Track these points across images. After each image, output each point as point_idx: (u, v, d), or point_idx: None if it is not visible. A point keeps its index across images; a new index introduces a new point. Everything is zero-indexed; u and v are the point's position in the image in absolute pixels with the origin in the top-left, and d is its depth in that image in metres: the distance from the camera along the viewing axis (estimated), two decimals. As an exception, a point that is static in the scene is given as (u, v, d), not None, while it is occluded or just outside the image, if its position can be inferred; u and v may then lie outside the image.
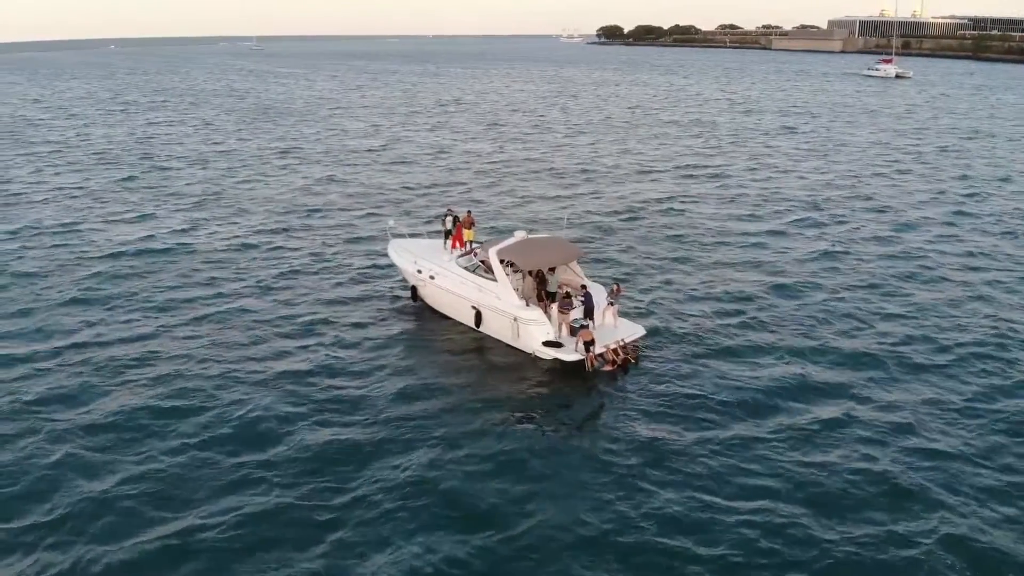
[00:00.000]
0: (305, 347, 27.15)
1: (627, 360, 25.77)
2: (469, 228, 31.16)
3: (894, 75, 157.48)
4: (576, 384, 24.56)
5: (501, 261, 26.87)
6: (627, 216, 45.18)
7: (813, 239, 40.85)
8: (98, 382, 24.38)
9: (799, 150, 70.02)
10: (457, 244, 30.33)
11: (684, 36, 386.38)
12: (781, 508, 18.36)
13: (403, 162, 63.77)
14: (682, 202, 48.77)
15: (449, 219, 31.06)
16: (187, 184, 54.59)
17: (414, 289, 30.30)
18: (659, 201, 49.33)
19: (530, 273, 27.88)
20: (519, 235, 28.12)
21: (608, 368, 25.40)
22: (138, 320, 29.32)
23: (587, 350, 24.96)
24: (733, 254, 37.99)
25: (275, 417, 22.27)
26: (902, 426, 22.00)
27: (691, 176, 57.17)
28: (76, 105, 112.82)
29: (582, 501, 18.66)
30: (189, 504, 18.46)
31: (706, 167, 60.57)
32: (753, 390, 23.99)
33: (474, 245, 29.82)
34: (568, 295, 26.58)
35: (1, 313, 29.84)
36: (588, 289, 27.01)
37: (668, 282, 33.67)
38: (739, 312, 30.26)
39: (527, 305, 26.40)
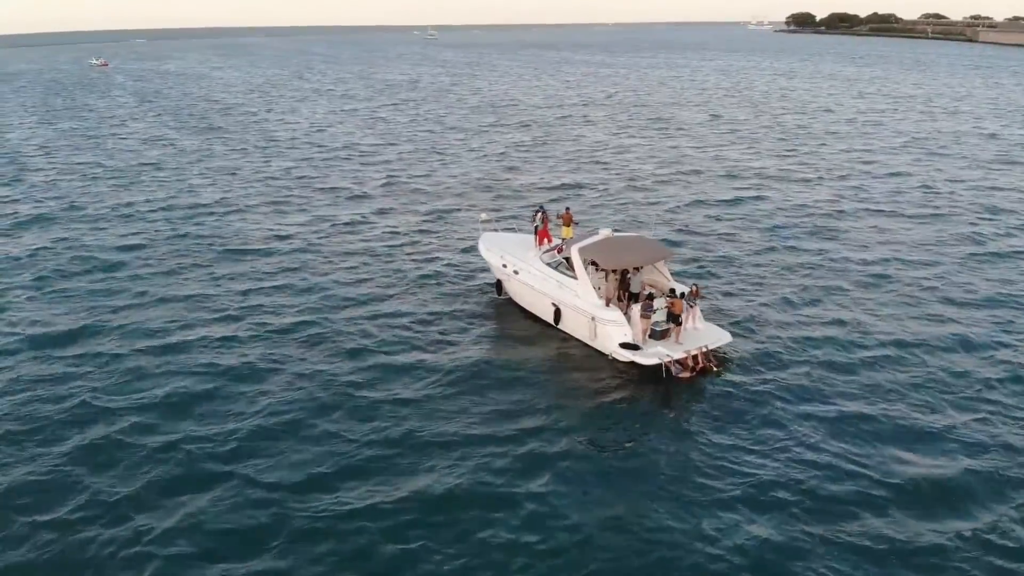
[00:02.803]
0: (385, 333, 28.03)
1: (707, 368, 24.89)
2: (568, 226, 31.00)
3: None
4: (650, 390, 23.97)
5: (584, 259, 26.61)
6: (761, 223, 42.90)
7: (975, 270, 34.80)
8: (182, 363, 25.71)
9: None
10: (544, 240, 30.23)
11: (881, 25, 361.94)
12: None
13: (547, 158, 63.82)
14: (825, 213, 44.87)
15: (539, 215, 31.05)
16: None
17: (499, 283, 30.56)
18: (797, 209, 46.74)
19: (614, 272, 27.43)
20: (603, 233, 27.75)
21: (686, 375, 24.59)
22: (226, 307, 30.69)
23: (676, 322, 25.12)
24: (868, 275, 33.79)
25: (347, 404, 23.05)
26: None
27: (840, 184, 52.37)
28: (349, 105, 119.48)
29: (635, 512, 18.32)
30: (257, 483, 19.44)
31: (864, 176, 54.90)
32: (844, 425, 21.88)
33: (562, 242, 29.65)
34: (650, 297, 25.95)
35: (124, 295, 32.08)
36: (676, 292, 26.19)
37: (775, 291, 31.99)
38: (853, 337, 27.48)
39: (607, 305, 26.04)
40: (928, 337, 27.42)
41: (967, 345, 26.86)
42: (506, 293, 30.30)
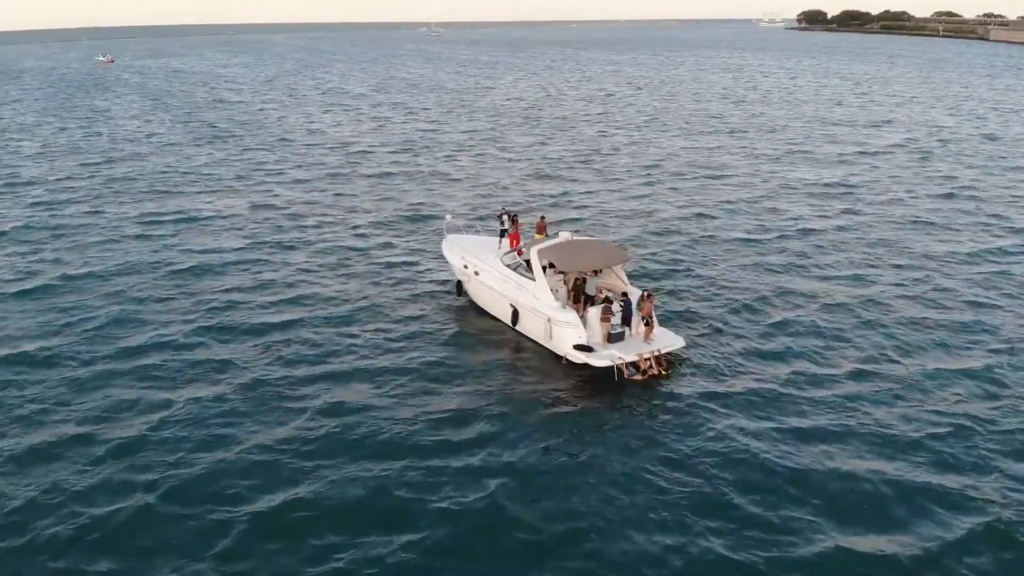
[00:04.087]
0: (340, 334, 28.10)
1: (659, 371, 24.91)
2: (541, 234, 30.94)
3: None
4: (602, 392, 24.01)
5: (542, 261, 26.69)
6: (737, 228, 42.71)
7: (956, 281, 33.75)
8: (129, 381, 24.99)
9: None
10: (513, 244, 30.22)
11: (893, 23, 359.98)
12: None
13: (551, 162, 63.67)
14: (808, 220, 44.13)
15: (506, 218, 31.05)
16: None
17: (459, 284, 30.64)
18: (782, 219, 46.49)
19: (574, 274, 27.48)
20: (563, 236, 27.82)
21: (638, 378, 24.68)
22: (187, 318, 30.02)
23: (647, 323, 25.35)
24: (841, 287, 32.69)
25: (298, 409, 22.89)
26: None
27: (827, 191, 51.44)
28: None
29: (577, 513, 18.38)
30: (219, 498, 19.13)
31: (850, 183, 53.17)
32: (790, 435, 21.80)
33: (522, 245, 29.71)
34: (607, 300, 26.04)
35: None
36: (629, 296, 26.33)
37: (738, 297, 31.72)
38: (813, 349, 27.01)
39: (563, 307, 26.09)
40: (896, 355, 26.59)
41: (936, 363, 25.97)
42: (466, 294, 30.38)
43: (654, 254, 37.06)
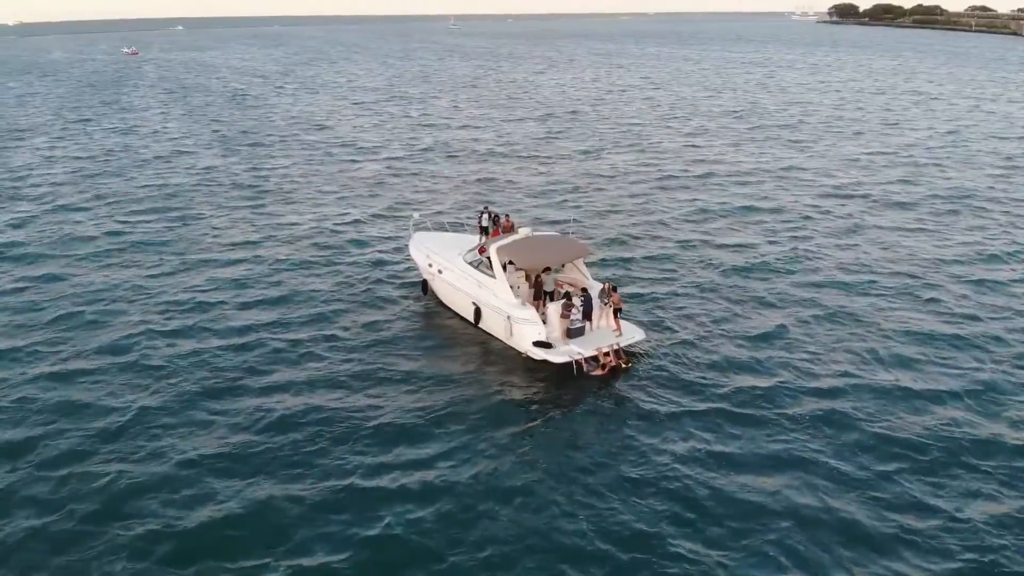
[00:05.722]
0: (307, 332, 28.24)
1: (619, 365, 24.94)
2: (508, 233, 30.87)
3: None
4: (561, 388, 24.11)
5: (501, 259, 26.74)
6: (718, 226, 42.14)
7: (940, 294, 31.98)
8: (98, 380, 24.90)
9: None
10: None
11: (926, 17, 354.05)
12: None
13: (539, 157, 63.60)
14: (791, 220, 43.45)
15: (486, 216, 30.98)
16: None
17: (425, 283, 30.74)
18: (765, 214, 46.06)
19: (536, 270, 27.49)
20: (523, 232, 27.89)
21: (597, 373, 24.76)
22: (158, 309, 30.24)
23: (616, 315, 25.56)
24: (816, 291, 31.98)
25: (259, 404, 23.09)
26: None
27: (814, 192, 50.34)
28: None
29: (539, 507, 18.57)
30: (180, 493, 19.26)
31: (841, 184, 51.81)
32: (746, 417, 22.23)
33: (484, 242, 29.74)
34: (567, 295, 26.05)
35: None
36: (589, 291, 26.35)
37: (707, 294, 31.47)
38: (778, 351, 26.52)
39: (523, 304, 26.14)
40: (872, 366, 25.74)
41: (907, 379, 24.91)
42: (432, 293, 30.50)
43: (629, 245, 37.10)
